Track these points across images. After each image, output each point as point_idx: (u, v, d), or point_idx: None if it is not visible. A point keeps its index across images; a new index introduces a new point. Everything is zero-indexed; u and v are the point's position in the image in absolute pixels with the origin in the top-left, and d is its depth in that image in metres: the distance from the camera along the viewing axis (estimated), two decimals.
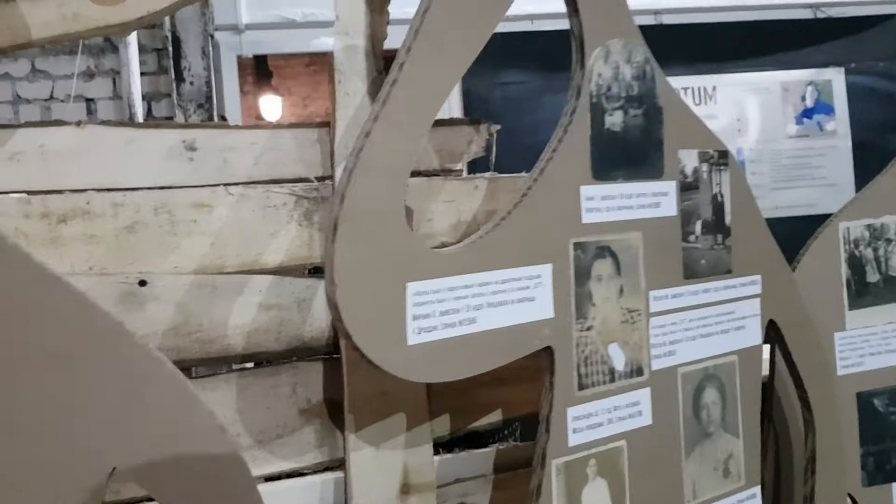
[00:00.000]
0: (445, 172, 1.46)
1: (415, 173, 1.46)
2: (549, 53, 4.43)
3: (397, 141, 0.99)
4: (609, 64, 1.22)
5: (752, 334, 1.42)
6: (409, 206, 1.42)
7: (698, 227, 1.34)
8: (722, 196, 1.38)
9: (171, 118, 4.20)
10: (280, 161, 1.35)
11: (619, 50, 1.23)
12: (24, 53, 4.14)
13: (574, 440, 1.19)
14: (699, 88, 4.56)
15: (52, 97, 4.10)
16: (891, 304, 1.69)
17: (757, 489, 1.43)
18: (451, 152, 1.47)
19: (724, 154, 1.39)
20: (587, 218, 1.20)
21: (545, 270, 1.15)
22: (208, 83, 4.28)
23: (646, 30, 1.27)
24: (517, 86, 4.44)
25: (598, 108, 1.21)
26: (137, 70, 4.06)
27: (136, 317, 1.27)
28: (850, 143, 4.40)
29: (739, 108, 4.52)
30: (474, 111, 4.31)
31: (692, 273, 1.34)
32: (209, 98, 4.25)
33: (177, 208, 1.30)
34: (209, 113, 4.26)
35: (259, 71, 6.55)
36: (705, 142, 1.36)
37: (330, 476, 1.37)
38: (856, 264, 1.66)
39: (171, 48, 4.16)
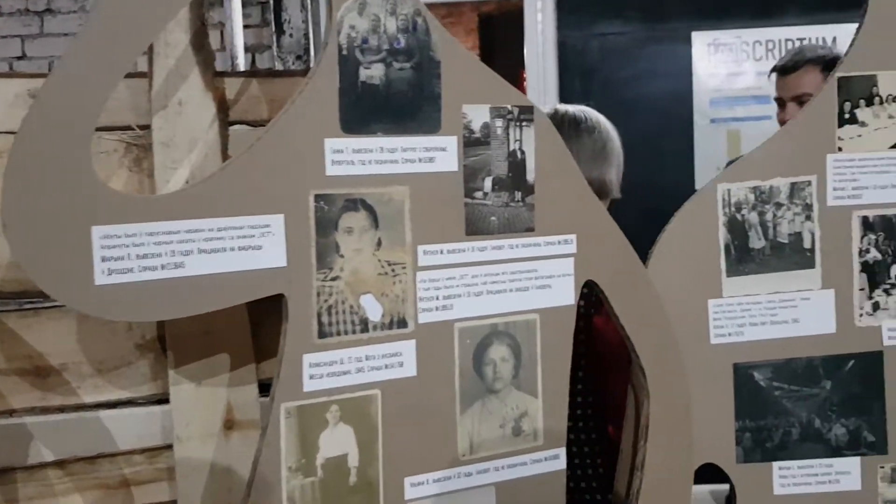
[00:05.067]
0: None
1: (240, 122, 1.53)
2: (653, 2, 4.26)
3: (77, 89, 1.05)
4: (365, 16, 1.22)
5: (561, 294, 1.39)
6: (230, 155, 1.48)
7: (487, 183, 1.32)
8: (523, 153, 1.34)
9: (271, 69, 4.39)
10: (114, 109, 1.43)
11: (379, 2, 1.23)
12: None
13: (310, 386, 1.23)
14: (817, 40, 4.22)
15: None
16: (778, 273, 1.57)
17: (560, 451, 1.40)
18: (281, 103, 1.51)
19: (527, 110, 1.35)
20: (333, 170, 1.22)
21: (275, 220, 1.18)
22: (307, 35, 4.46)
23: None
24: (616, 36, 4.29)
25: (350, 61, 1.22)
26: (240, 22, 4.25)
27: None
28: None
29: None
30: (569, 63, 4.22)
31: (477, 230, 1.32)
32: (307, 50, 4.43)
33: None
34: (306, 65, 4.43)
35: None
36: (501, 97, 1.33)
37: (164, 408, 1.48)
38: (737, 229, 1.55)
39: (272, 1, 4.37)
